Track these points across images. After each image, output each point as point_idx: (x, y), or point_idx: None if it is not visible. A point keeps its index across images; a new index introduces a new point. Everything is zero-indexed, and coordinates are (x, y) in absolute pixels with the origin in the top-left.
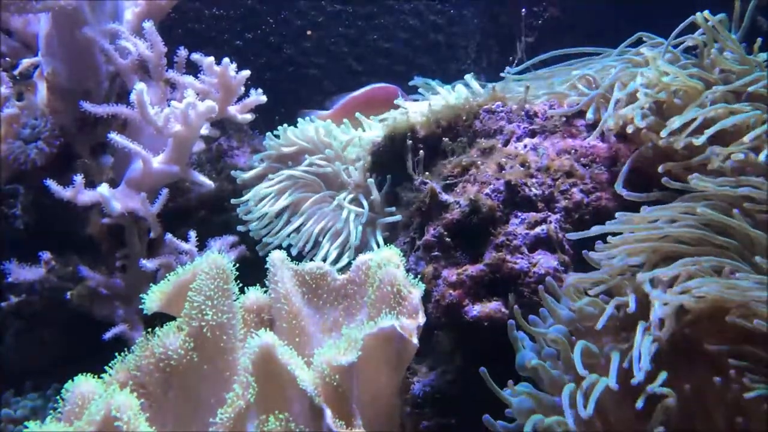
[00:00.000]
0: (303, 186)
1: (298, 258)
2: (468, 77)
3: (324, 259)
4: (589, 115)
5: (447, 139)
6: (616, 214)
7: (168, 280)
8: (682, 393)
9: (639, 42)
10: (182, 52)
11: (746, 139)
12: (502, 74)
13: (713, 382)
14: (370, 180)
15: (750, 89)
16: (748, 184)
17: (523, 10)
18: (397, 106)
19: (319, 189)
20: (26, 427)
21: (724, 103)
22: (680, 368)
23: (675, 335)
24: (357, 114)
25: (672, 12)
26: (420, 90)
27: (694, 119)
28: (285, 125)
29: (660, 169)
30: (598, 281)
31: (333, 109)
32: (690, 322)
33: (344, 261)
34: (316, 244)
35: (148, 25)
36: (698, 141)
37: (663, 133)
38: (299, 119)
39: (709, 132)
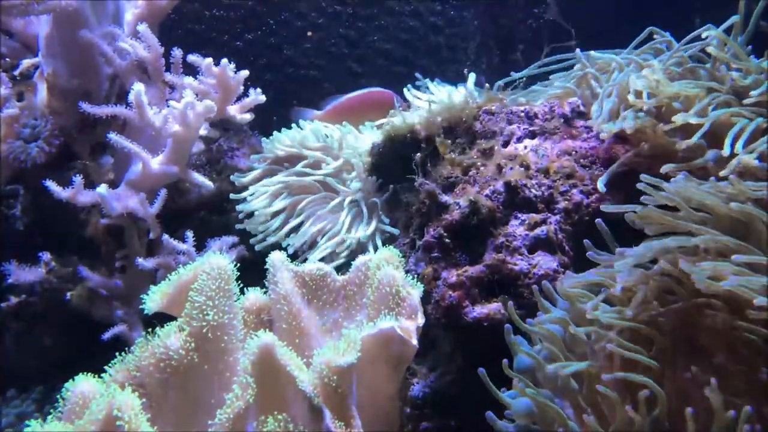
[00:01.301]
0: (300, 188)
1: (294, 257)
2: (471, 78)
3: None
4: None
5: (447, 140)
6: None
7: (169, 280)
8: (677, 386)
9: (649, 37)
10: (177, 52)
11: None
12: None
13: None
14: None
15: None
16: None
17: None
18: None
19: (317, 190)
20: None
21: (727, 107)
22: (678, 364)
23: (675, 330)
24: (346, 123)
25: (672, 14)
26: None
27: (700, 124)
28: (276, 133)
29: (662, 170)
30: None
31: (326, 110)
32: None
33: (341, 260)
34: (313, 244)
35: (143, 27)
36: (725, 152)
37: (678, 118)
38: (294, 117)
39: (737, 144)
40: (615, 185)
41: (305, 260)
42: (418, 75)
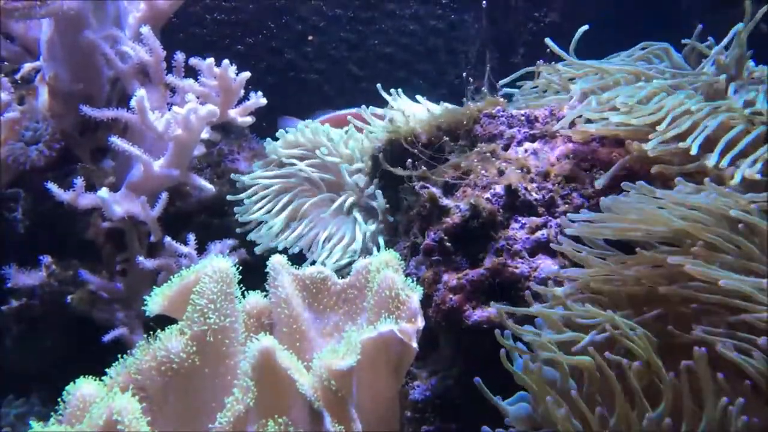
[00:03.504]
0: (302, 191)
1: (300, 259)
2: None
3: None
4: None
5: (448, 142)
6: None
7: (171, 282)
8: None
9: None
10: (180, 56)
11: None
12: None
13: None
14: (378, 192)
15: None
16: None
17: None
18: None
19: (318, 192)
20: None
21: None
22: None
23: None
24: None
25: (671, 19)
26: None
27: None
28: (281, 131)
29: (653, 170)
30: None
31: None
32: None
33: (344, 260)
34: (316, 246)
35: (146, 29)
36: (711, 161)
37: (651, 142)
38: (279, 126)
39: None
40: (615, 188)
41: (313, 262)
42: (378, 87)
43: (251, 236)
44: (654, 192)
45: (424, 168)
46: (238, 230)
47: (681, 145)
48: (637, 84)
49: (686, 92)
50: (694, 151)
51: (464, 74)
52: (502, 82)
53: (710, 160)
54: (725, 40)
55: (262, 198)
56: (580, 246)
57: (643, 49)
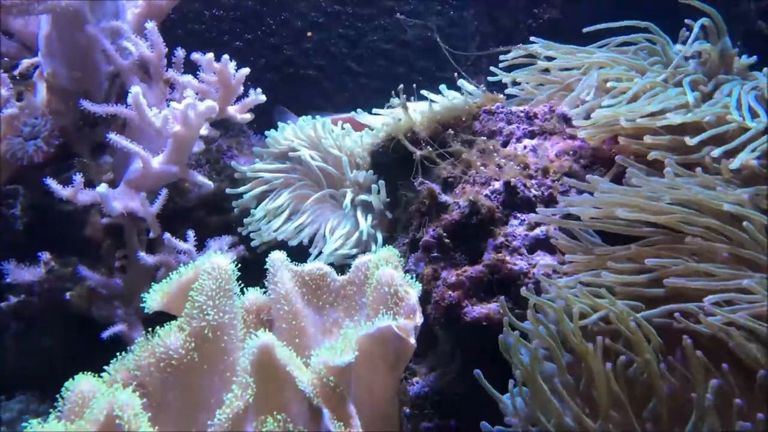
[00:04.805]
0: (303, 186)
1: (296, 254)
2: (461, 82)
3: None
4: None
5: (447, 139)
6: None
7: (170, 279)
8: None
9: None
10: (180, 52)
11: None
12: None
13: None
14: (381, 183)
15: None
16: None
17: None
18: None
19: (317, 188)
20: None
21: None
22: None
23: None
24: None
25: (671, 17)
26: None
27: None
28: (281, 124)
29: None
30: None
31: None
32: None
33: (345, 250)
34: (320, 239)
35: (151, 25)
36: (691, 141)
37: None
38: (276, 115)
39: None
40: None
41: (320, 253)
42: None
43: (251, 230)
44: (646, 181)
45: (430, 149)
46: (240, 230)
47: (669, 116)
48: (633, 80)
49: (677, 89)
50: (675, 121)
51: (455, 75)
52: (499, 67)
53: (691, 140)
54: (693, 33)
55: (262, 193)
56: (575, 242)
57: (643, 29)
